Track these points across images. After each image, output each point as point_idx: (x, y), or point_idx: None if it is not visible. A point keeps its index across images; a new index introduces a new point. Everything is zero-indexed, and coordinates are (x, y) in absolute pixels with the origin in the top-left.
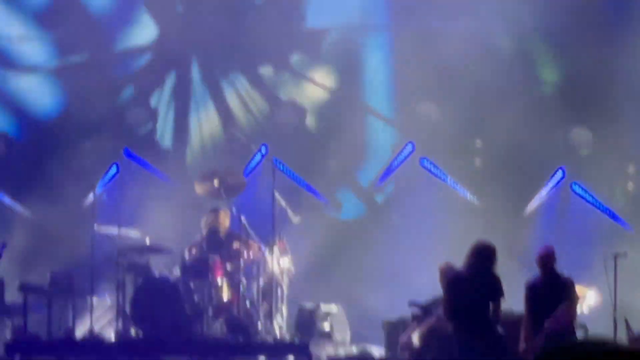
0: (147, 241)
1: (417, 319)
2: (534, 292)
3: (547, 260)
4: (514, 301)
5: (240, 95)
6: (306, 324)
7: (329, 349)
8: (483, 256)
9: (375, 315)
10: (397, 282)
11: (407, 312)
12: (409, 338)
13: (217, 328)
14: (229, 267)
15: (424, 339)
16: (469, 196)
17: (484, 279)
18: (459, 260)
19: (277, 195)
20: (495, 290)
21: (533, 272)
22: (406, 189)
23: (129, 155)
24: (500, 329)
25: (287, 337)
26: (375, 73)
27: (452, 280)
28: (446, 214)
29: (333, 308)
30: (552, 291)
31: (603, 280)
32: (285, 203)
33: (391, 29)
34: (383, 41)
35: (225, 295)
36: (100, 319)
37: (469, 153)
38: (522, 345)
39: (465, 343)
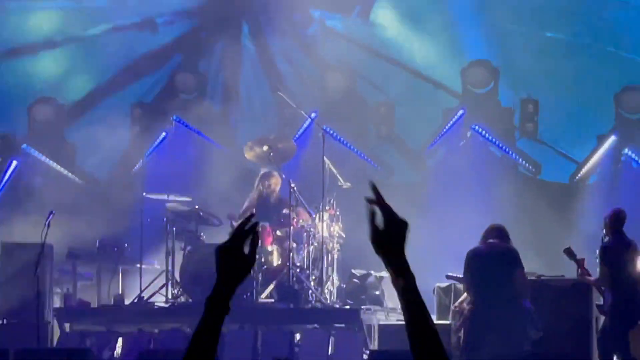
0: (197, 208)
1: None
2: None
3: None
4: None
5: (290, 61)
6: (357, 290)
7: (379, 316)
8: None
9: (426, 282)
10: (449, 249)
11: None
12: (461, 304)
13: (268, 295)
14: (279, 233)
15: None
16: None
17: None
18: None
19: (327, 161)
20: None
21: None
22: (457, 153)
23: (179, 121)
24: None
25: (338, 304)
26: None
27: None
28: (497, 180)
29: (384, 275)
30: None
31: None
32: (335, 169)
33: None
34: None
35: (276, 262)
36: (149, 285)
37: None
38: None
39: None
